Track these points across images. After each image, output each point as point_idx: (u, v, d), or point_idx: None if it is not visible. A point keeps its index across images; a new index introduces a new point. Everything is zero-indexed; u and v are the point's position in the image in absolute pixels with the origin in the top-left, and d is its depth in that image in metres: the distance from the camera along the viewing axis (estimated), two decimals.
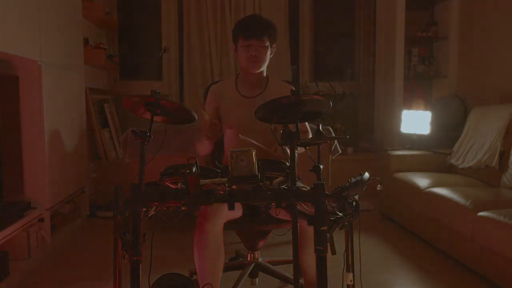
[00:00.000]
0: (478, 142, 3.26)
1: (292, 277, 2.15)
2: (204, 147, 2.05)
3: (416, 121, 3.93)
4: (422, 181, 3.13)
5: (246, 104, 2.02)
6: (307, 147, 1.67)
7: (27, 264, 2.59)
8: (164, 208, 1.46)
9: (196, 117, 1.60)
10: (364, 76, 4.71)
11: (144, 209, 1.44)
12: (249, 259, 2.28)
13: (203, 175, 1.47)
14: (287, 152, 1.45)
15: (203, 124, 1.92)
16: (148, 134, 1.47)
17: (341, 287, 1.48)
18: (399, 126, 4.07)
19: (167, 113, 1.57)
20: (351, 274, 1.47)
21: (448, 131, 3.91)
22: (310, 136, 2.16)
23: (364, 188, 1.43)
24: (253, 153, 1.36)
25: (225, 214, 1.78)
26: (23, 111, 2.75)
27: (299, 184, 1.87)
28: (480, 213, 2.39)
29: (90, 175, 3.84)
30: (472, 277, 2.47)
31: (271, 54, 2.05)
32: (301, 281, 1.97)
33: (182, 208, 1.44)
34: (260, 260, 2.29)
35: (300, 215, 1.40)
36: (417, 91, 4.58)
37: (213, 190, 1.46)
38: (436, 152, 3.64)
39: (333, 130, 3.63)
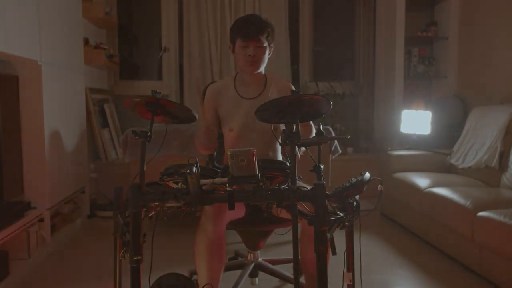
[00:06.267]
0: (478, 142, 3.26)
1: (292, 276, 2.15)
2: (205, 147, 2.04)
3: (416, 121, 3.93)
4: (422, 181, 3.13)
5: (246, 105, 2.01)
6: (307, 147, 1.67)
7: (27, 264, 2.58)
8: (165, 208, 1.46)
9: (197, 117, 1.60)
10: (364, 76, 4.71)
11: (144, 209, 1.44)
12: (249, 258, 2.28)
13: (203, 175, 1.47)
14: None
15: (200, 129, 1.91)
16: (148, 134, 1.47)
17: (341, 287, 1.48)
18: (399, 126, 4.07)
19: (168, 113, 1.57)
20: (351, 274, 1.48)
21: (448, 131, 3.91)
22: (314, 131, 2.15)
23: (365, 188, 1.43)
24: (253, 153, 1.36)
25: (228, 214, 1.78)
26: (23, 111, 2.74)
27: (299, 183, 1.87)
28: (480, 213, 2.39)
29: (90, 175, 3.84)
30: (472, 277, 2.47)
31: (269, 53, 2.03)
32: (302, 280, 1.97)
33: (183, 208, 1.44)
34: (260, 259, 2.29)
35: (301, 215, 1.41)
36: (417, 91, 4.58)
37: (214, 190, 1.46)
38: (436, 152, 3.64)
39: (333, 130, 3.63)
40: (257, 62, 1.98)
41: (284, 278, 2.28)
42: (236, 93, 2.07)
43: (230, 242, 2.84)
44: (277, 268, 2.31)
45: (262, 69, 2.05)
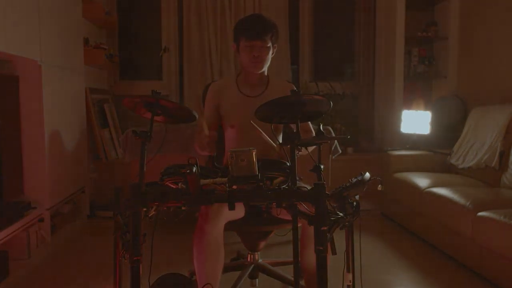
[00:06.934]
0: (478, 142, 3.26)
1: (292, 278, 2.14)
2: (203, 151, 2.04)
3: (416, 121, 3.93)
4: (422, 181, 3.13)
5: (247, 103, 2.01)
6: (308, 148, 1.67)
7: (27, 264, 2.58)
8: (165, 208, 1.46)
9: (197, 116, 1.60)
10: (364, 76, 4.71)
11: (144, 209, 1.44)
12: (249, 259, 2.27)
13: (203, 175, 1.47)
14: (287, 152, 1.45)
15: (199, 134, 1.89)
16: (148, 134, 1.46)
17: (341, 287, 1.48)
18: (399, 126, 4.07)
19: (168, 113, 1.57)
20: (351, 274, 1.47)
21: (448, 131, 3.91)
22: (313, 135, 2.15)
23: (365, 188, 1.43)
24: (253, 153, 1.36)
25: (226, 215, 1.78)
26: (23, 111, 2.74)
27: (299, 183, 1.87)
28: (480, 213, 2.39)
29: (90, 175, 3.84)
30: (472, 277, 2.47)
31: (273, 54, 2.04)
32: (302, 283, 1.97)
33: (183, 208, 1.44)
34: (260, 261, 2.28)
35: (301, 215, 1.41)
36: (417, 91, 4.58)
37: (214, 190, 1.46)
38: (436, 152, 3.64)
39: (333, 130, 3.63)
40: (261, 62, 2.00)
41: (284, 280, 2.27)
42: (238, 91, 2.08)
43: (232, 242, 2.84)
44: (277, 269, 2.30)
45: (265, 68, 2.06)
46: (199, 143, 1.88)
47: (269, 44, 1.98)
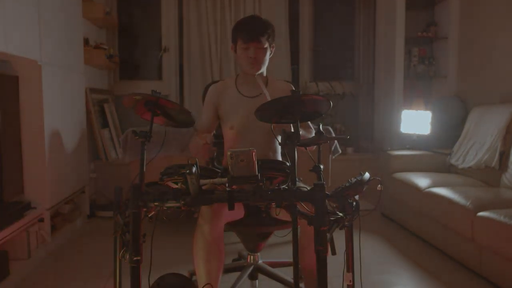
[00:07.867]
0: (478, 142, 3.26)
1: (292, 280, 2.14)
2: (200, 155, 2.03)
3: (416, 121, 3.93)
4: (422, 181, 3.13)
5: (247, 104, 2.02)
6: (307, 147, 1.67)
7: (27, 264, 2.58)
8: (164, 208, 1.46)
9: (195, 120, 1.60)
10: (364, 76, 4.71)
11: (144, 209, 1.44)
12: (248, 260, 2.27)
13: (203, 175, 1.47)
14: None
15: (196, 141, 1.87)
16: (148, 134, 1.47)
17: (341, 287, 1.48)
18: (399, 126, 4.07)
19: (167, 114, 1.57)
20: (351, 274, 1.48)
21: (448, 131, 3.91)
22: (313, 132, 2.15)
23: (365, 188, 1.43)
24: (253, 153, 1.36)
25: (226, 215, 1.78)
26: (23, 111, 2.74)
27: (299, 184, 1.87)
28: (480, 213, 2.39)
29: (90, 175, 3.83)
30: (472, 277, 2.47)
31: (271, 54, 2.05)
32: (301, 285, 1.97)
33: (182, 208, 1.44)
34: (260, 262, 2.28)
35: (300, 215, 1.41)
36: (417, 91, 4.58)
37: (213, 190, 1.46)
38: (436, 152, 3.64)
39: (333, 130, 3.63)
40: (258, 64, 2.00)
41: (284, 282, 2.25)
42: (237, 92, 2.08)
43: (232, 242, 2.84)
44: (277, 271, 2.29)
45: (263, 69, 2.06)
46: (194, 145, 1.86)
47: (266, 45, 1.98)
